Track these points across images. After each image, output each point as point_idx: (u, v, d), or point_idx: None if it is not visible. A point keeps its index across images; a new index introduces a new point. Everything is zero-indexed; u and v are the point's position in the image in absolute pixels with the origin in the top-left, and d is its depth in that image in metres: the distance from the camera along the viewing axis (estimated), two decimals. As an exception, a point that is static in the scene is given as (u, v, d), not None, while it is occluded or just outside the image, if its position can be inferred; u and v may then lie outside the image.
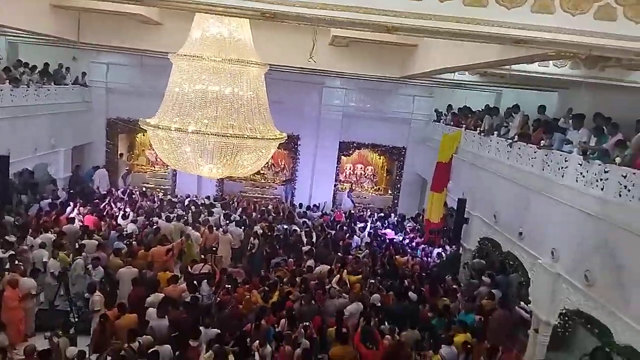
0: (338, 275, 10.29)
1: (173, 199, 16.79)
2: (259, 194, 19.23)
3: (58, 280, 9.84)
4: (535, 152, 9.67)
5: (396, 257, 12.69)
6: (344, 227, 14.95)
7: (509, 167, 10.67)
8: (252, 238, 13.03)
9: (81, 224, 12.56)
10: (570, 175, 8.39)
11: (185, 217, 14.18)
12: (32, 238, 10.81)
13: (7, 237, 10.56)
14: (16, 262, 9.50)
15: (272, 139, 8.13)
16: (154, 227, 12.86)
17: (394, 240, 14.48)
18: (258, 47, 8.26)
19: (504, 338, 9.10)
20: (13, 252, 9.85)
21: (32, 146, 13.72)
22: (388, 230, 15.26)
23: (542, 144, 9.57)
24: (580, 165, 8.11)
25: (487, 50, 7.15)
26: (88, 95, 17.67)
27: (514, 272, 10.52)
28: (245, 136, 7.74)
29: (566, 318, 7.97)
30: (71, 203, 13.81)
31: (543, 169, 9.30)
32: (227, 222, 14.02)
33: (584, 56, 5.72)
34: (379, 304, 9.57)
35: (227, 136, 7.57)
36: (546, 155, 9.27)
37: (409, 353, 7.84)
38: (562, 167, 8.69)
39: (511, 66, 8.10)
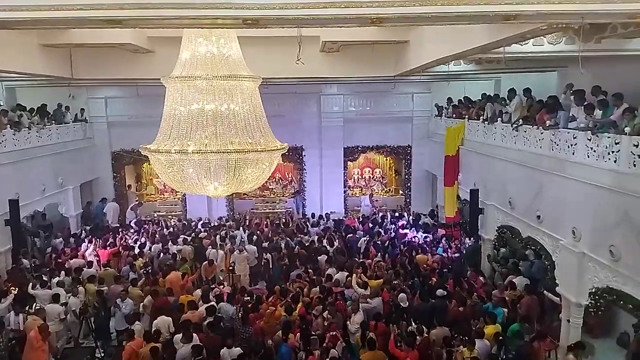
0: (355, 276, 10.18)
1: (187, 223, 16.76)
2: (269, 209, 19.14)
3: (79, 317, 9.80)
4: (542, 133, 9.52)
5: (417, 256, 12.50)
6: (360, 232, 14.75)
7: (517, 151, 10.50)
8: (264, 253, 12.95)
9: (97, 258, 12.60)
10: (580, 151, 8.22)
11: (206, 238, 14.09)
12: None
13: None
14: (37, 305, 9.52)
15: (274, 150, 8.05)
16: (170, 253, 12.80)
17: (413, 239, 14.26)
18: (250, 63, 8.25)
19: (535, 325, 8.85)
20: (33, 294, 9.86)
21: (40, 187, 13.79)
22: (406, 230, 15.03)
23: (547, 124, 9.40)
24: (590, 140, 7.93)
25: (477, 34, 7.05)
26: (90, 131, 17.81)
27: (537, 257, 10.28)
28: (246, 150, 7.68)
29: (597, 297, 7.74)
30: (86, 240, 13.86)
31: (552, 149, 9.13)
32: (242, 240, 13.93)
33: (577, 27, 5.57)
34: (406, 304, 9.48)
35: (228, 152, 7.52)
36: (553, 134, 9.12)
37: (440, 351, 7.65)
38: (571, 145, 8.53)
39: (505, 49, 7.96)
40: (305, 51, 9.46)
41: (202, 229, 15.45)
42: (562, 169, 8.69)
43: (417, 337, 8.14)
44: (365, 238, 13.89)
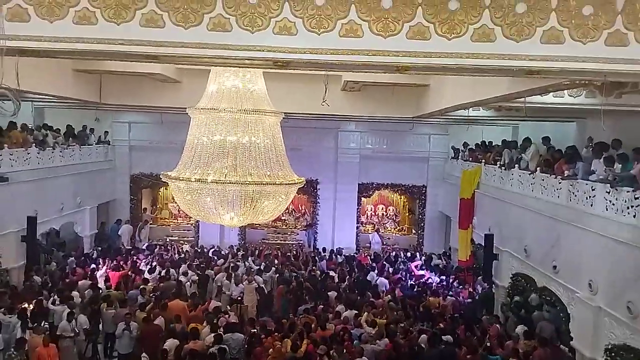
0: (365, 315, 10.08)
1: (200, 249, 16.82)
2: (281, 240, 19.12)
3: (86, 337, 9.81)
4: (560, 183, 9.48)
5: (429, 298, 12.32)
6: (374, 270, 14.62)
7: (534, 199, 10.44)
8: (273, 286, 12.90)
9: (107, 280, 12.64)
10: (599, 204, 8.16)
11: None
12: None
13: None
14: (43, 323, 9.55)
15: (291, 183, 8.17)
16: (175, 279, 12.78)
17: (428, 280, 14.09)
18: (274, 97, 8.48)
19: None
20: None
21: (59, 206, 14.04)
22: (422, 272, 14.86)
23: (565, 174, 9.38)
24: (609, 193, 7.89)
25: (497, 85, 7.16)
26: (111, 154, 18.21)
27: (553, 307, 10.06)
28: (264, 182, 7.80)
29: (612, 354, 7.49)
30: (100, 260, 13.97)
31: (570, 200, 9.07)
32: (252, 270, 13.88)
33: (600, 83, 5.66)
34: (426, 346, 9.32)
35: (246, 184, 7.64)
36: (572, 185, 9.08)
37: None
38: (589, 197, 8.48)
39: (525, 98, 8.06)
40: (327, 89, 9.70)
41: (216, 257, 15.43)
42: (580, 220, 8.61)
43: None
44: (378, 278, 13.75)
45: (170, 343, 8.80)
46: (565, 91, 8.98)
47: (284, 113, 8.58)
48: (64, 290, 11.43)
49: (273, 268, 13.90)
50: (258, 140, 8.18)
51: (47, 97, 11.86)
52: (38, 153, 13.12)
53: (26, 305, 10.26)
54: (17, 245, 11.85)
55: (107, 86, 12.92)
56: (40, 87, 10.28)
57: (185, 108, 8.33)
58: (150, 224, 18.94)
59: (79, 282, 12.11)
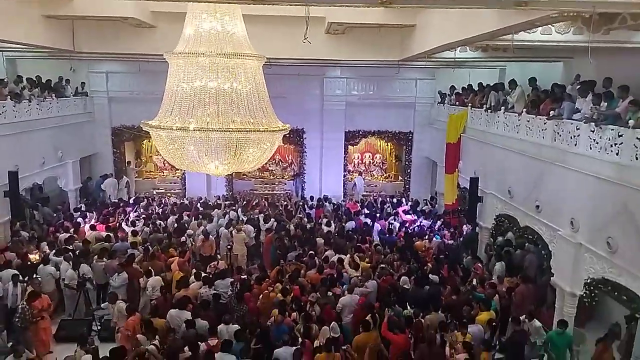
0: (347, 257, 10.34)
1: (189, 201, 16.77)
2: (268, 190, 19.14)
3: (77, 289, 9.89)
4: (545, 123, 9.47)
5: (415, 242, 12.58)
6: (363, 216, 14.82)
7: (519, 140, 10.47)
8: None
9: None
10: (583, 143, 8.20)
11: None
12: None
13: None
14: (35, 276, 9.67)
15: (276, 130, 8.03)
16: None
17: (422, 223, 14.36)
18: (255, 42, 8.16)
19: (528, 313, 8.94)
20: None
21: (40, 160, 13.75)
22: (409, 216, 15.10)
23: (551, 115, 9.35)
24: (593, 131, 7.91)
25: (486, 20, 6.94)
26: (90, 106, 17.69)
27: (534, 245, 10.34)
28: (248, 130, 7.64)
29: (592, 287, 7.80)
30: (87, 214, 13.91)
31: (555, 140, 9.10)
32: (239, 219, 13.96)
33: (588, 16, 5.50)
34: (409, 286, 9.68)
35: (229, 131, 7.48)
36: (557, 125, 9.07)
37: (434, 335, 7.74)
38: (574, 136, 8.51)
39: (513, 36, 7.86)
40: (310, 32, 9.28)
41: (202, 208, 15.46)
42: (564, 159, 8.68)
43: (414, 320, 8.25)
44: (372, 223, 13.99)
45: (154, 281, 9.03)
46: (553, 28, 8.79)
47: (267, 58, 8.28)
48: (60, 243, 11.44)
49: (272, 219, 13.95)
50: (240, 86, 7.93)
51: (17, 46, 11.32)
52: (14, 106, 12.69)
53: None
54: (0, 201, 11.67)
55: (80, 33, 12.34)
56: (7, 34, 9.76)
57: (162, 54, 7.99)
58: (136, 177, 18.74)
59: (61, 236, 12.07)
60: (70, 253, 10.66)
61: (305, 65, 15.48)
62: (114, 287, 9.81)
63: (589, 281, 7.81)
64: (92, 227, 12.69)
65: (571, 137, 8.57)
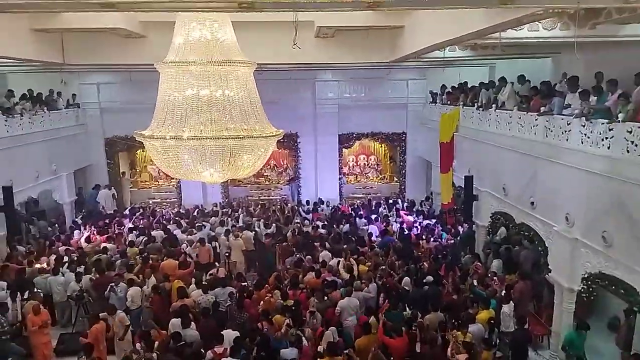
0: (342, 260, 10.36)
1: (186, 211, 16.75)
2: (265, 196, 19.15)
3: (76, 301, 9.88)
4: (536, 120, 9.53)
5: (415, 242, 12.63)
6: (358, 219, 14.83)
7: (511, 137, 10.53)
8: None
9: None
10: (574, 138, 8.25)
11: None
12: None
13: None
14: (35, 289, 9.70)
15: (269, 136, 8.02)
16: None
17: (423, 223, 14.41)
18: (245, 48, 8.15)
19: (528, 309, 8.99)
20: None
21: (34, 174, 13.68)
22: (409, 217, 15.14)
23: (541, 111, 9.42)
24: (584, 126, 7.96)
25: (473, 19, 6.99)
26: (83, 118, 17.63)
27: (531, 242, 10.38)
28: (242, 136, 7.64)
29: (589, 282, 7.84)
30: (82, 226, 13.85)
31: (546, 136, 9.16)
32: (237, 226, 13.94)
33: (573, 11, 5.56)
34: (410, 287, 9.69)
35: (223, 138, 7.48)
36: (547, 121, 9.13)
37: (435, 336, 7.74)
38: (565, 131, 8.56)
39: (500, 34, 7.92)
40: (299, 36, 9.36)
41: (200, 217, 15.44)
42: (556, 155, 8.73)
43: (413, 323, 8.25)
44: (368, 226, 14.02)
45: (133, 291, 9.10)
46: (540, 24, 8.87)
47: (257, 64, 8.29)
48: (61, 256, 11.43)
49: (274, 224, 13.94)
50: (232, 93, 7.92)
51: (7, 60, 11.28)
52: (6, 121, 12.65)
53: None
54: (-5, 216, 11.62)
55: (69, 46, 12.30)
56: (-2, 50, 9.75)
57: (152, 64, 7.98)
58: (131, 187, 18.67)
59: (60, 249, 12.04)
60: (74, 265, 10.68)
61: (296, 69, 15.51)
62: (118, 297, 9.75)
63: (586, 276, 7.85)
64: (88, 240, 12.66)
65: (562, 132, 8.62)
